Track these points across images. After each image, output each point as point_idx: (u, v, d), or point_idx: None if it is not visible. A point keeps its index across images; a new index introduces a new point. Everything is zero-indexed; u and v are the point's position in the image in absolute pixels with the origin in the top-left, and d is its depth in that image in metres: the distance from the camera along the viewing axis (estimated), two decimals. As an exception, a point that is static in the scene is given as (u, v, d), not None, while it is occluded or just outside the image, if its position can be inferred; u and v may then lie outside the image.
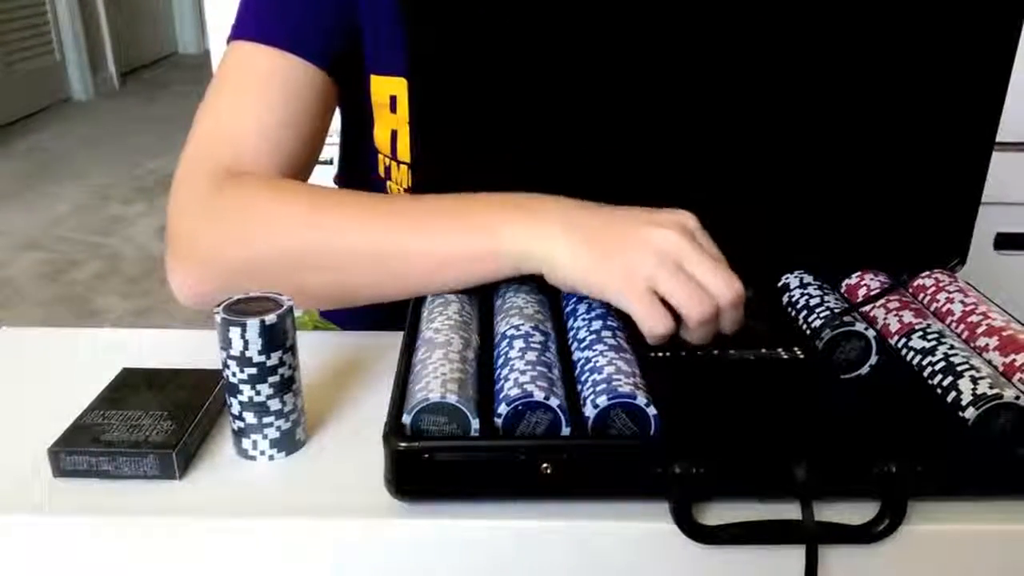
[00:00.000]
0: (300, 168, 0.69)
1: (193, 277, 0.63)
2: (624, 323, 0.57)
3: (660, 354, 0.57)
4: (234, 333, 0.49)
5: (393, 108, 0.71)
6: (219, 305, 0.50)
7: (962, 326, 0.58)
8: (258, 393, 0.50)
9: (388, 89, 0.71)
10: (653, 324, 0.52)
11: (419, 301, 0.61)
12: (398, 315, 0.62)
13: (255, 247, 0.61)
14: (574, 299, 0.60)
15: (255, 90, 0.66)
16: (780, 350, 0.58)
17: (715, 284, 0.52)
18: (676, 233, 0.53)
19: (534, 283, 0.62)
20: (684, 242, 0.53)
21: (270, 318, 0.49)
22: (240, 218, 0.62)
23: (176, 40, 5.70)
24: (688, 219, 0.55)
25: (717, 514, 0.47)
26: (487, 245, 0.56)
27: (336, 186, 0.85)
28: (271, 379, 0.50)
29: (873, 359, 0.57)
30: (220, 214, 0.62)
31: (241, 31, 0.68)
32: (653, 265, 0.52)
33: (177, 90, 4.63)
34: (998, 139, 0.63)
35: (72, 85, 4.45)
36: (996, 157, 0.63)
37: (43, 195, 3.08)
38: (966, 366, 0.52)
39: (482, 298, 0.62)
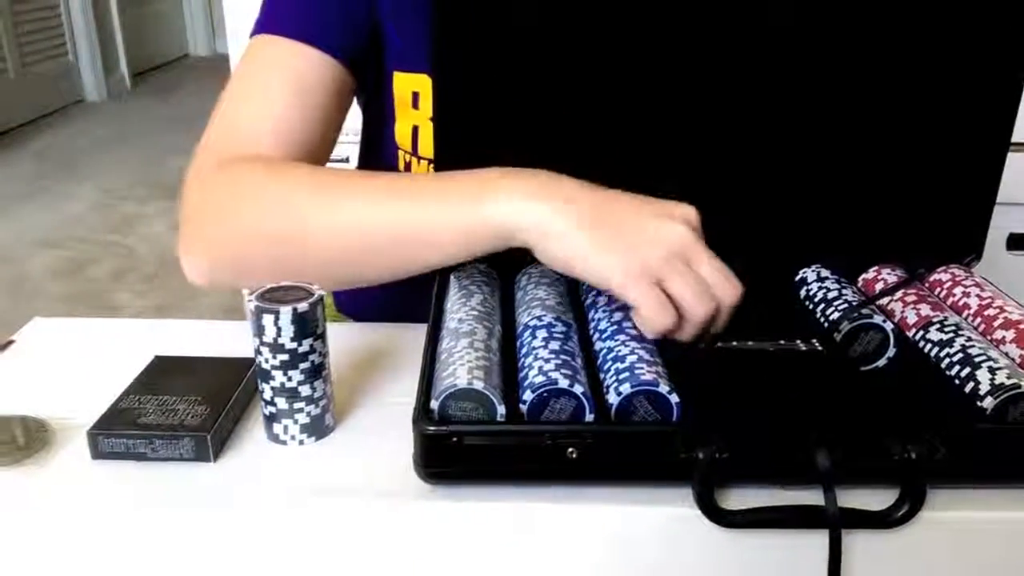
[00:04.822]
0: (313, 159, 0.68)
1: (196, 257, 0.64)
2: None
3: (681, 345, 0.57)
4: (267, 320, 0.50)
5: (416, 104, 0.72)
6: (252, 293, 0.51)
7: (979, 319, 0.59)
8: (289, 379, 0.51)
9: (411, 86, 0.72)
10: (656, 320, 0.51)
11: (442, 292, 0.62)
12: (414, 309, 0.63)
13: (240, 221, 0.61)
14: (594, 291, 0.61)
15: (270, 81, 0.67)
16: (799, 342, 0.59)
17: (722, 286, 0.52)
18: (686, 229, 0.52)
19: (554, 275, 0.63)
20: (693, 239, 0.52)
21: (302, 306, 0.50)
22: (229, 193, 0.62)
23: (187, 42, 5.73)
24: (693, 215, 0.54)
25: (739, 499, 0.48)
26: (471, 214, 0.54)
27: None
28: (302, 365, 0.51)
29: (891, 351, 0.57)
30: (213, 192, 0.63)
31: (262, 25, 0.69)
32: (663, 260, 0.51)
33: (188, 91, 4.66)
34: (1012, 139, 0.63)
35: (85, 86, 4.48)
36: (1009, 158, 0.64)
37: (58, 195, 3.10)
38: (984, 357, 0.52)
39: (502, 291, 0.63)
